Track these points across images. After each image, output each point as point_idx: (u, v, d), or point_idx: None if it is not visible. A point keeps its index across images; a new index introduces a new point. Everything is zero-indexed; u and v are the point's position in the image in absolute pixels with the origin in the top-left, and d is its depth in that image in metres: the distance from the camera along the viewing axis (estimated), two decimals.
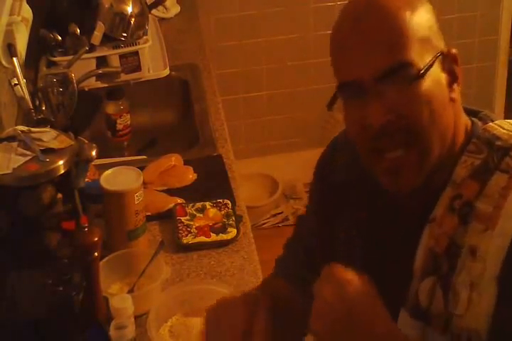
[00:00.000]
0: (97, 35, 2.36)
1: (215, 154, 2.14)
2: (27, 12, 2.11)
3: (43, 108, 2.11)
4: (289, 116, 3.56)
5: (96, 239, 1.50)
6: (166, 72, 2.45)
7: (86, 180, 1.71)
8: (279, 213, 3.47)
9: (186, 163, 2.10)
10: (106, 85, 2.40)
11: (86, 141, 1.73)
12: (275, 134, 3.58)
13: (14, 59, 2.00)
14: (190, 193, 1.99)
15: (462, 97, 1.20)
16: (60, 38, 2.34)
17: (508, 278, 1.10)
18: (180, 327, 1.59)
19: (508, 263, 1.10)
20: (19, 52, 2.03)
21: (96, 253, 1.50)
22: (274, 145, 3.60)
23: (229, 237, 1.84)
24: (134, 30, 2.41)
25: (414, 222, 1.20)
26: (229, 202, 1.93)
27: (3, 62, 2.01)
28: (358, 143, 1.19)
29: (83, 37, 2.35)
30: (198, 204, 1.92)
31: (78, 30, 2.35)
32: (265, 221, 3.43)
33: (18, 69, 2.02)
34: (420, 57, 1.12)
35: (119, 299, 1.52)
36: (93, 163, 1.79)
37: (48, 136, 1.64)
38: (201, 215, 1.90)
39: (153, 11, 2.78)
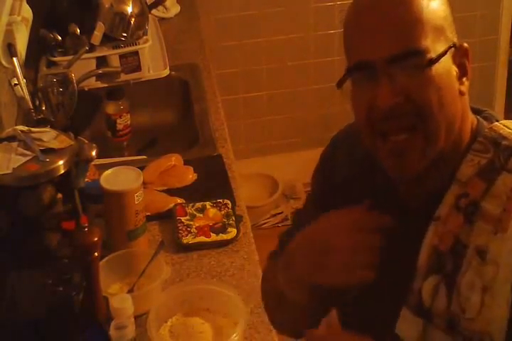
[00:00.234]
0: (97, 35, 2.36)
1: (215, 154, 2.14)
2: (27, 12, 2.12)
3: (43, 108, 2.11)
4: (289, 116, 3.56)
5: (96, 239, 1.49)
6: (166, 72, 2.45)
7: (86, 180, 1.71)
8: (279, 213, 3.47)
9: (186, 163, 2.09)
10: (106, 85, 2.40)
11: (86, 141, 1.73)
12: (275, 134, 3.58)
13: (14, 59, 2.00)
14: (190, 193, 1.99)
15: None
16: (60, 38, 2.34)
17: None
18: (180, 327, 1.58)
19: None
20: (19, 52, 2.03)
21: (96, 253, 1.50)
22: (274, 145, 3.60)
23: (229, 237, 1.84)
24: (134, 30, 2.41)
25: (418, 220, 1.20)
26: (229, 202, 1.93)
27: (3, 62, 2.01)
28: (364, 127, 1.17)
29: (83, 37, 2.35)
30: (198, 204, 1.92)
31: (78, 30, 2.35)
32: (265, 221, 3.43)
33: (18, 69, 2.02)
34: (433, 46, 1.12)
35: (119, 299, 1.52)
36: (93, 163, 1.79)
37: (48, 136, 1.64)
38: (201, 215, 1.90)
39: (153, 11, 2.78)
